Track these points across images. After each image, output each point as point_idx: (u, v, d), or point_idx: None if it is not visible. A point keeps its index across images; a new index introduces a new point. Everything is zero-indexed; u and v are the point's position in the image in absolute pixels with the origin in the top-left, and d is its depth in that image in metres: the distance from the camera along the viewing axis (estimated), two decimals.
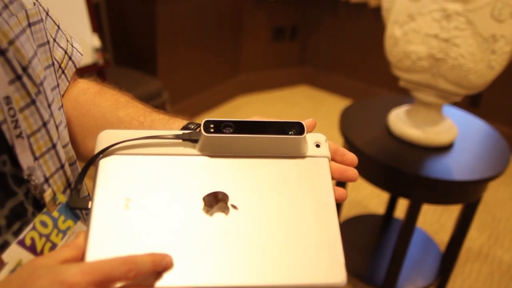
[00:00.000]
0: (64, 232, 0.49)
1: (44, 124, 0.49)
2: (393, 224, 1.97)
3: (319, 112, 3.13)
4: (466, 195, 1.47)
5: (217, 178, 0.45)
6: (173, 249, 0.40)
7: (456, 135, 1.49)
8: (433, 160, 1.43)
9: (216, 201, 0.44)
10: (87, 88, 0.67)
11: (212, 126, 0.46)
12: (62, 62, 0.63)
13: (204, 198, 0.44)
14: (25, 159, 0.46)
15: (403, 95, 1.90)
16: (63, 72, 0.64)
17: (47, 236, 0.47)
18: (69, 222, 0.49)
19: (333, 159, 0.51)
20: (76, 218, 0.50)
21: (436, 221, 2.17)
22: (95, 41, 1.91)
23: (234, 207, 0.43)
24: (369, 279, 1.70)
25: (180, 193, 0.44)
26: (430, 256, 1.82)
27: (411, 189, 1.44)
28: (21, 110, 0.46)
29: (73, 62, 0.66)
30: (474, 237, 2.07)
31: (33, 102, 0.48)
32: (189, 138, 0.47)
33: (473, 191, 1.45)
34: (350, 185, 2.32)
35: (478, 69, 1.27)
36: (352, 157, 0.51)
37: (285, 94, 3.36)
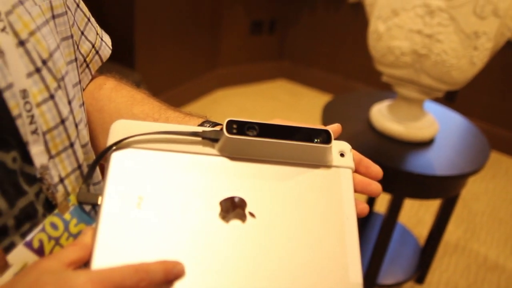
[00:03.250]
0: (75, 236, 0.46)
1: (62, 121, 0.47)
2: (374, 219, 1.98)
3: (297, 107, 3.13)
4: (446, 190, 1.48)
5: (235, 182, 0.43)
6: (185, 256, 0.38)
7: (437, 130, 1.51)
8: (415, 155, 1.44)
9: (233, 207, 0.41)
10: (104, 83, 0.65)
11: (235, 126, 0.43)
12: (88, 56, 0.61)
13: (220, 203, 0.41)
14: (38, 157, 0.43)
15: (381, 90, 1.91)
16: (87, 66, 0.62)
17: (57, 239, 0.44)
18: (82, 226, 0.47)
19: (356, 170, 0.48)
20: (89, 221, 0.48)
21: (414, 215, 2.19)
22: None
23: (251, 215, 0.41)
24: None
25: (196, 195, 0.41)
26: (409, 250, 1.84)
27: (393, 184, 1.44)
28: (38, 105, 0.44)
29: (99, 56, 0.63)
30: (451, 231, 2.10)
31: (51, 97, 0.45)
32: (210, 137, 0.44)
33: (453, 186, 1.47)
34: None
35: (461, 65, 1.28)
36: (377, 169, 0.49)
37: (264, 88, 3.35)
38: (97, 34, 0.63)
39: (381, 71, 1.45)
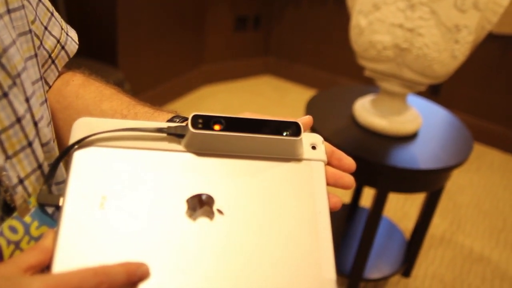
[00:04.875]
0: (37, 240, 0.44)
1: (18, 120, 0.45)
2: (359, 213, 1.99)
3: (283, 102, 3.12)
4: (431, 183, 1.49)
5: (203, 179, 0.42)
6: (150, 256, 0.37)
7: (420, 124, 1.51)
8: (399, 149, 1.45)
9: (200, 204, 0.40)
10: (71, 79, 0.63)
11: (200, 121, 0.42)
12: (53, 51, 0.59)
13: (187, 201, 0.40)
14: None
15: (366, 85, 1.91)
16: (53, 62, 0.60)
17: (17, 243, 0.43)
18: (44, 229, 0.45)
19: (329, 163, 0.47)
20: (52, 224, 0.46)
21: (400, 208, 2.20)
22: None
23: (219, 212, 0.40)
24: (336, 269, 1.71)
25: (162, 193, 0.40)
26: (395, 244, 1.85)
27: (377, 179, 1.45)
28: None
29: (66, 52, 0.62)
30: (436, 224, 2.12)
31: (5, 95, 0.43)
32: (175, 133, 0.43)
33: (438, 179, 1.48)
34: None
35: (442, 58, 1.28)
36: (349, 162, 0.47)
37: (249, 84, 3.34)
38: (62, 29, 0.62)
39: (363, 66, 1.45)
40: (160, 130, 0.43)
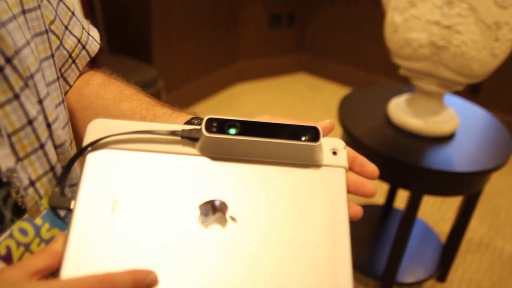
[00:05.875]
0: (48, 242, 0.44)
1: (30, 122, 0.45)
2: (393, 215, 1.94)
3: (317, 100, 3.09)
4: (468, 186, 1.43)
5: (216, 184, 0.40)
6: (159, 264, 0.36)
7: (457, 124, 1.46)
8: (434, 151, 1.40)
9: (213, 210, 0.39)
10: (92, 79, 0.62)
11: (215, 125, 0.40)
12: (73, 51, 0.59)
13: (200, 207, 0.39)
14: (4, 160, 0.41)
15: (403, 83, 1.86)
16: (73, 61, 0.60)
17: (27, 246, 0.42)
18: (55, 231, 0.45)
19: (350, 168, 0.45)
20: (63, 226, 0.45)
21: (436, 211, 2.14)
22: None
23: (233, 219, 0.39)
24: (369, 271, 1.67)
25: (174, 198, 0.39)
26: (430, 247, 1.79)
27: (412, 181, 1.40)
28: (1, 105, 0.42)
29: (87, 51, 0.61)
30: (474, 228, 2.05)
31: (16, 96, 0.43)
32: (189, 136, 0.42)
33: (475, 182, 1.42)
34: None
35: (481, 57, 1.23)
36: (372, 169, 0.45)
37: (283, 82, 3.31)
38: (83, 28, 0.61)
39: (398, 64, 1.40)
40: (173, 133, 0.42)
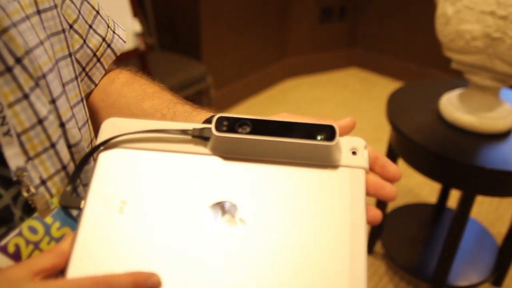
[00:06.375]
0: (58, 240, 0.44)
1: (40, 121, 0.45)
2: (446, 215, 1.87)
3: (369, 95, 3.01)
4: None
5: (227, 185, 0.39)
6: (164, 266, 0.35)
7: None
8: (488, 148, 1.33)
9: (222, 212, 0.38)
10: (117, 77, 0.63)
11: (225, 123, 0.39)
12: (98, 50, 0.60)
13: (209, 208, 0.38)
14: (13, 159, 0.42)
15: (459, 78, 1.78)
16: (98, 60, 0.60)
17: (36, 244, 0.43)
18: (65, 230, 0.45)
19: (371, 169, 0.42)
20: (74, 225, 0.45)
21: (493, 211, 2.04)
22: (136, 26, 1.89)
23: (242, 221, 0.37)
24: (418, 272, 1.62)
25: (182, 199, 0.38)
26: (485, 250, 1.71)
27: (464, 180, 1.34)
28: (10, 105, 0.42)
29: (112, 50, 0.62)
30: None
31: (25, 96, 0.43)
32: (200, 135, 0.41)
33: None
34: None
35: None
36: (394, 170, 0.42)
37: (334, 77, 3.26)
38: (109, 27, 0.61)
39: (450, 58, 1.34)
40: (184, 132, 0.41)
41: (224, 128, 0.39)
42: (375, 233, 1.76)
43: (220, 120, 0.39)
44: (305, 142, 0.38)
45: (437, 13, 1.31)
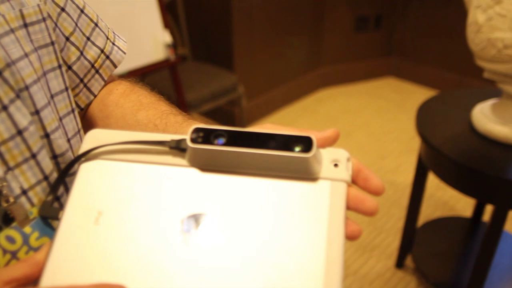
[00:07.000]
0: (36, 250, 0.44)
1: (20, 132, 0.46)
2: (481, 229, 1.80)
3: (405, 105, 2.96)
4: None
5: (202, 197, 0.38)
6: (134, 279, 0.34)
7: None
8: None
9: (196, 225, 0.37)
10: (115, 88, 0.64)
11: (201, 135, 0.38)
12: (96, 61, 0.61)
13: (182, 221, 0.37)
14: None
15: (493, 87, 1.72)
16: (97, 71, 0.61)
17: (14, 253, 0.43)
18: (44, 240, 0.45)
19: (354, 182, 0.40)
20: (53, 236, 0.47)
21: None
22: (166, 37, 1.92)
23: (215, 235, 0.36)
24: (450, 286, 1.56)
25: (158, 211, 0.38)
26: None
27: (497, 194, 1.29)
28: None
29: (111, 61, 0.63)
30: None
31: (4, 108, 0.44)
32: (177, 147, 0.40)
33: None
34: (434, 183, 2.16)
35: None
36: (377, 183, 0.40)
37: (370, 86, 3.21)
38: (108, 39, 0.62)
39: (482, 67, 1.30)
40: (162, 143, 0.41)
41: (200, 140, 0.38)
42: (406, 247, 1.72)
43: (195, 131, 0.39)
44: (281, 154, 0.37)
45: (468, 21, 1.27)
